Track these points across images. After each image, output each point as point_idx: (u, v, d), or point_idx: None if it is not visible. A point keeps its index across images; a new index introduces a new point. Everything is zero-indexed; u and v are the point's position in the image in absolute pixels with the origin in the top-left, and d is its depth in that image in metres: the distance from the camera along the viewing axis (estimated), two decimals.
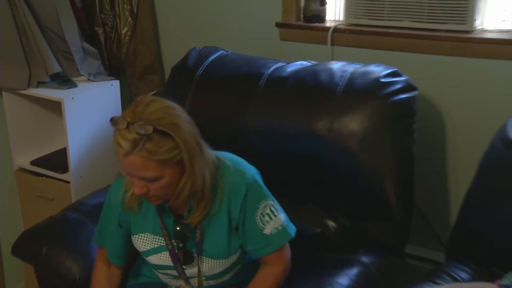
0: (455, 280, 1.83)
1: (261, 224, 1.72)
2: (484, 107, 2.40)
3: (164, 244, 1.74)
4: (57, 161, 2.66)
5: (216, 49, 2.52)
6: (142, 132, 1.44)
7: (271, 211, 1.74)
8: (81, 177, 2.57)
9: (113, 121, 1.49)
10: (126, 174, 1.57)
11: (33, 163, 2.69)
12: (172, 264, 1.75)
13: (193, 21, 3.03)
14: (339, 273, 1.91)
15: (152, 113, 1.49)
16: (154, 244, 1.76)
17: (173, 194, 1.61)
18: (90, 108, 2.57)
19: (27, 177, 2.71)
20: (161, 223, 1.73)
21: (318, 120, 2.10)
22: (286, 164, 2.15)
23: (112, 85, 2.69)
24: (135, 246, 1.80)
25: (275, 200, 1.78)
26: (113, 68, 3.05)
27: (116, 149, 1.50)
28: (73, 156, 2.52)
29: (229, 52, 2.52)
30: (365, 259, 2.02)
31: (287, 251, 1.79)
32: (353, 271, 1.94)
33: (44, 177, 2.66)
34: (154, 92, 3.06)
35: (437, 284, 1.79)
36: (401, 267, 2.18)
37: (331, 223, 2.15)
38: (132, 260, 1.99)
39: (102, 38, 3.01)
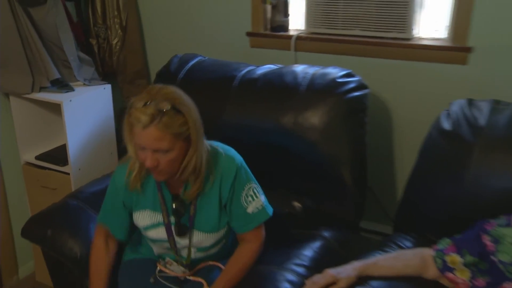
0: (401, 247, 1.87)
1: (245, 204, 1.76)
2: (423, 102, 2.45)
3: (162, 220, 1.76)
4: (58, 155, 2.64)
5: (195, 56, 2.53)
6: (160, 108, 1.51)
7: (254, 193, 1.78)
8: (79, 169, 2.56)
9: (130, 102, 1.55)
10: (140, 149, 1.58)
11: (38, 157, 2.66)
12: (166, 238, 1.77)
13: (175, 32, 3.03)
14: (304, 246, 1.93)
15: (167, 94, 1.55)
16: (153, 220, 1.77)
17: (178, 170, 1.63)
18: (86, 109, 2.56)
19: (33, 170, 2.69)
20: (162, 200, 1.75)
21: (285, 115, 2.12)
22: (258, 153, 2.15)
23: (104, 88, 2.67)
24: (136, 221, 1.81)
25: (257, 183, 1.82)
26: (106, 74, 3.03)
27: (134, 125, 1.53)
28: (72, 151, 2.51)
29: (206, 58, 2.53)
30: (326, 234, 2.04)
31: (263, 230, 1.83)
32: (316, 244, 1.96)
33: (47, 170, 2.64)
34: None
35: (386, 252, 1.82)
36: (357, 239, 2.21)
37: (297, 204, 2.16)
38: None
39: (96, 48, 2.99)
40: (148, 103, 1.52)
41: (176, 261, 1.81)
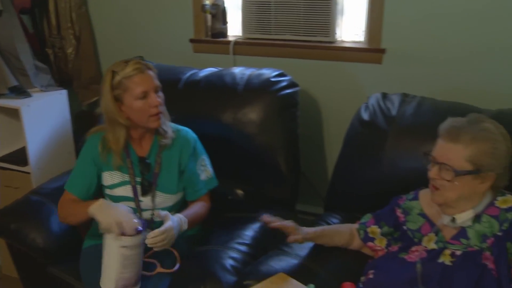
0: (329, 224, 1.90)
1: (198, 172, 1.89)
2: (346, 96, 2.51)
3: (129, 179, 1.80)
4: (19, 157, 2.59)
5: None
6: (140, 58, 1.76)
7: (205, 164, 1.94)
8: (39, 168, 2.52)
9: (114, 72, 1.70)
10: (141, 99, 1.70)
11: (0, 159, 2.62)
12: (132, 196, 1.80)
13: (125, 41, 3.01)
14: (246, 228, 1.96)
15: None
16: (121, 179, 1.81)
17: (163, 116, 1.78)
18: (44, 113, 2.52)
19: None
20: (130, 165, 1.80)
21: (225, 112, 2.15)
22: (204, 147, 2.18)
23: (60, 94, 2.64)
24: (104, 181, 1.83)
25: (208, 157, 1.95)
26: (62, 80, 2.98)
27: (132, 76, 1.69)
28: (32, 152, 2.47)
29: (155, 63, 2.46)
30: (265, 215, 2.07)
31: (210, 198, 1.95)
32: (256, 225, 1.98)
33: (9, 171, 2.59)
34: (97, 98, 3.03)
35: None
36: (293, 220, 2.20)
37: (239, 191, 2.17)
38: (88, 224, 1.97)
39: (52, 57, 2.95)
40: (128, 62, 1.71)
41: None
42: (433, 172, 1.45)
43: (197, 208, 1.86)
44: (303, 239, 1.63)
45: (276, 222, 1.62)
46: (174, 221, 1.65)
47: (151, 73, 1.75)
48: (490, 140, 1.37)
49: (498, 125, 1.42)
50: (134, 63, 1.72)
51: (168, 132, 1.83)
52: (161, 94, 1.79)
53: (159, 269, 1.70)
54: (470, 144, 1.38)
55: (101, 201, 1.68)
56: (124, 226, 1.56)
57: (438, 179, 1.44)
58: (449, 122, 1.45)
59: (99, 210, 1.63)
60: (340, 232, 1.72)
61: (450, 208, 1.46)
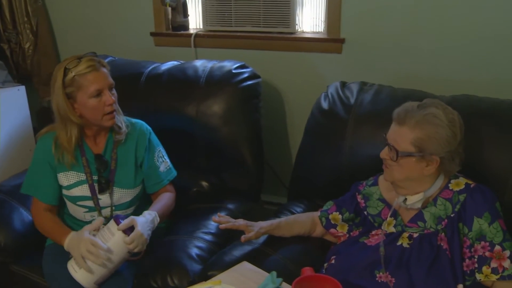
0: (293, 213, 1.93)
1: (157, 164, 1.88)
2: (306, 86, 2.54)
3: (85, 178, 1.78)
4: None
5: (106, 56, 2.48)
6: (94, 55, 1.71)
7: (162, 155, 1.92)
8: None
9: (66, 70, 1.65)
10: (95, 97, 1.67)
11: None
12: (90, 195, 1.78)
13: (86, 35, 2.97)
14: (211, 217, 1.87)
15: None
16: (77, 179, 1.78)
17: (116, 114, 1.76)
18: (1, 110, 2.45)
19: None
20: (86, 163, 1.78)
21: (188, 105, 2.14)
22: (166, 140, 2.13)
23: (18, 90, 2.57)
24: (61, 182, 1.79)
25: (163, 148, 1.94)
26: (21, 76, 2.93)
27: (86, 73, 1.65)
28: None
29: (116, 58, 2.50)
30: (230, 206, 2.09)
31: (174, 186, 1.95)
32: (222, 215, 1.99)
33: None
34: None
35: (280, 217, 1.86)
36: (258, 210, 2.26)
37: (204, 183, 2.19)
38: None
39: (8, 52, 2.89)
40: (80, 58, 1.66)
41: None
42: (383, 152, 1.50)
43: (165, 200, 1.86)
44: (256, 235, 1.63)
45: (226, 223, 1.63)
46: (143, 223, 1.64)
47: (105, 70, 1.71)
48: (433, 124, 1.41)
49: (450, 111, 1.46)
50: (88, 60, 1.67)
51: (122, 128, 1.81)
52: (114, 91, 1.75)
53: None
54: (414, 128, 1.42)
55: (70, 235, 1.66)
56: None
57: (387, 159, 1.49)
58: (402, 106, 1.49)
59: (72, 249, 1.64)
60: (300, 221, 1.74)
61: (402, 189, 1.51)
